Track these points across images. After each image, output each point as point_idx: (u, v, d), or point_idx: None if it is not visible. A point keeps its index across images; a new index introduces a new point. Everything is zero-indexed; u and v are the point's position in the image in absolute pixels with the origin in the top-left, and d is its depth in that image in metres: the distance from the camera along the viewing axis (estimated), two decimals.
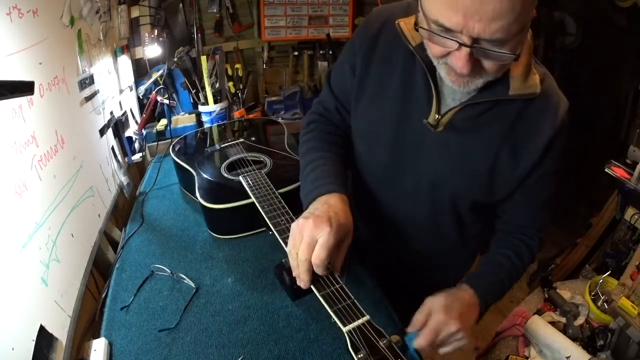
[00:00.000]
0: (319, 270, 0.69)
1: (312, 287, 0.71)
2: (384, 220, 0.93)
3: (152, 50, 1.81)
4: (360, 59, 0.82)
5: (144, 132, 1.63)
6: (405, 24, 0.72)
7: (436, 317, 0.68)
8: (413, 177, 0.82)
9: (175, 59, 1.84)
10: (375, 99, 0.81)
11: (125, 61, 1.67)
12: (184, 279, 0.96)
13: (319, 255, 0.67)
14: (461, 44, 0.55)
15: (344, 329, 0.63)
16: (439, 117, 0.74)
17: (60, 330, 0.78)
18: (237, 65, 2.09)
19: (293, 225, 0.72)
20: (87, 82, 1.15)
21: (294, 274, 0.73)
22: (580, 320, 1.22)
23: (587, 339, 1.15)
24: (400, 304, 0.87)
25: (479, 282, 0.77)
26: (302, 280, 0.70)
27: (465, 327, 0.69)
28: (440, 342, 0.68)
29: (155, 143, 1.73)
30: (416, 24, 0.61)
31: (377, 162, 0.87)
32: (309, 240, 0.67)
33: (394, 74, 0.78)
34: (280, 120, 2.15)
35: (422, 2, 0.59)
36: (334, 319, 0.66)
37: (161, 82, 1.80)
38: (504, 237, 0.85)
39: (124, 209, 1.39)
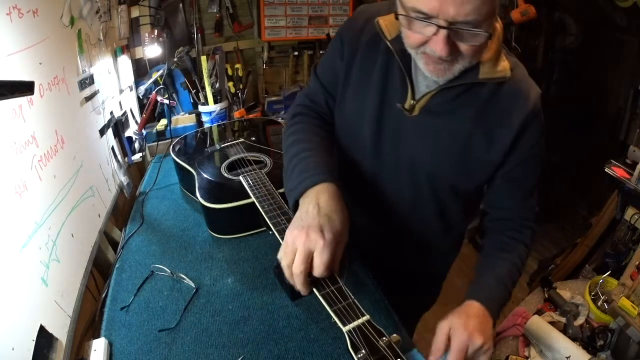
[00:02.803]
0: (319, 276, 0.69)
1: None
2: (369, 209, 0.94)
3: (152, 50, 1.81)
4: (347, 51, 0.85)
5: (144, 132, 1.63)
6: (383, 21, 0.77)
7: (459, 336, 0.68)
8: (393, 162, 0.85)
9: (175, 59, 1.84)
10: (358, 89, 0.85)
11: (125, 61, 1.67)
12: (184, 279, 0.96)
13: (318, 271, 0.67)
14: (439, 27, 0.60)
15: (344, 329, 0.63)
16: (414, 102, 0.78)
17: (60, 330, 0.78)
18: (237, 65, 2.09)
19: (287, 233, 0.71)
20: (87, 82, 1.15)
21: (290, 282, 0.73)
22: (580, 320, 1.22)
23: (587, 339, 1.15)
24: (394, 298, 0.88)
25: (481, 291, 0.77)
26: (300, 290, 0.70)
27: (487, 339, 0.69)
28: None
29: (155, 143, 1.73)
30: (396, 13, 0.65)
31: (359, 150, 0.89)
32: (303, 254, 0.67)
33: (375, 67, 0.81)
34: (280, 120, 2.15)
35: None
36: (333, 319, 0.66)
37: (161, 82, 1.80)
38: (494, 237, 0.87)
39: (124, 209, 1.39)
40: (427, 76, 0.73)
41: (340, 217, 0.70)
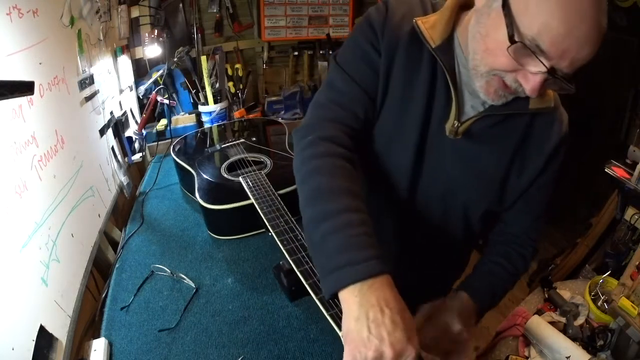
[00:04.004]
0: None
1: (309, 289, 0.71)
2: (390, 227, 0.87)
3: (152, 50, 1.81)
4: (386, 47, 0.70)
5: (144, 132, 1.63)
6: (422, 23, 0.68)
7: (440, 317, 0.70)
8: (429, 183, 0.79)
9: (175, 59, 1.84)
10: (400, 99, 0.73)
11: (125, 61, 1.67)
12: (184, 279, 0.96)
13: None
14: (548, 70, 0.55)
15: (340, 333, 0.63)
16: (459, 124, 0.71)
17: (60, 330, 0.78)
18: (237, 65, 2.08)
19: (352, 346, 0.52)
20: (87, 82, 1.16)
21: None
22: (580, 320, 1.22)
23: (587, 339, 1.15)
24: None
25: (474, 288, 0.78)
26: None
27: (467, 329, 0.70)
28: (445, 345, 0.69)
29: (155, 143, 1.73)
30: (512, 36, 0.55)
31: (395, 165, 0.78)
32: None
33: (419, 76, 0.71)
34: (280, 120, 2.14)
35: (518, 13, 0.54)
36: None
37: (161, 82, 1.80)
38: (498, 247, 0.86)
39: (124, 209, 1.39)
40: (479, 96, 0.66)
41: (409, 316, 0.55)
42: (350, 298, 0.53)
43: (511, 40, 0.55)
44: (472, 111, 0.71)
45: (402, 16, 0.71)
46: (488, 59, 0.60)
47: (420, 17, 0.68)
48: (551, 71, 0.55)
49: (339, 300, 0.58)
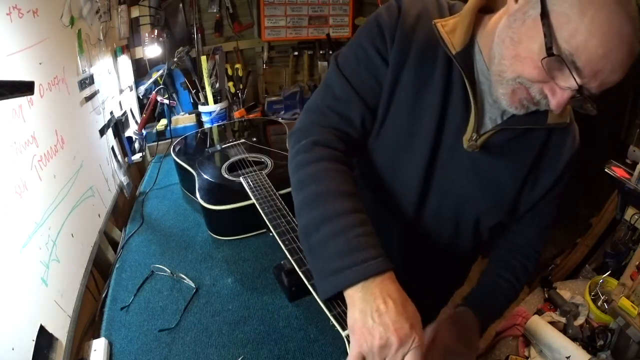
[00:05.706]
0: None
1: (311, 289, 0.71)
2: (397, 235, 0.84)
3: (152, 50, 1.81)
4: (395, 53, 0.66)
5: (144, 132, 1.63)
6: (442, 26, 0.64)
7: (441, 342, 0.69)
8: (439, 196, 0.76)
9: (175, 59, 1.84)
10: (410, 108, 0.69)
11: (125, 61, 1.67)
12: (184, 279, 0.96)
13: None
14: (580, 87, 0.54)
15: (343, 334, 0.63)
16: (477, 136, 0.68)
17: (60, 330, 0.78)
18: (237, 65, 2.08)
19: (360, 345, 0.52)
20: (87, 82, 1.16)
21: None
22: (580, 320, 1.22)
23: (587, 339, 1.15)
24: None
25: (478, 303, 0.78)
26: None
27: (472, 350, 0.71)
28: None
29: (155, 143, 1.73)
30: (550, 49, 0.53)
31: (403, 176, 0.75)
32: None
33: (432, 82, 0.67)
34: (280, 120, 2.14)
35: (558, 25, 0.52)
36: (332, 323, 0.66)
37: (161, 82, 1.80)
38: (503, 256, 0.85)
39: (124, 209, 1.39)
40: (499, 107, 0.65)
41: (412, 307, 0.55)
42: (354, 294, 0.54)
43: (549, 52, 0.53)
44: (490, 123, 0.69)
45: (416, 17, 0.67)
46: (517, 66, 0.57)
47: (437, 19, 0.65)
48: (580, 89, 0.54)
49: (335, 302, 0.59)
